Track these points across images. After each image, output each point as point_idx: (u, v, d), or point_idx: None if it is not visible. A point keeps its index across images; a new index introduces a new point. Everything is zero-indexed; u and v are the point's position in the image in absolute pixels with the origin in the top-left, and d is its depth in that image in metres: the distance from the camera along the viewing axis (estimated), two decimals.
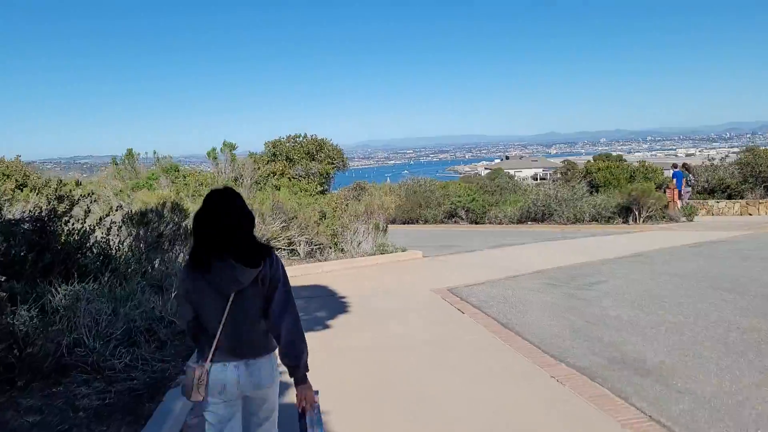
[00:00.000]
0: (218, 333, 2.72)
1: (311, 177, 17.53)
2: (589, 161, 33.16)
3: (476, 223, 25.54)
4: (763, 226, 18.34)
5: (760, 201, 22.76)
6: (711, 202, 23.51)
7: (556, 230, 21.29)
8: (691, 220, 20.91)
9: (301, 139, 19.44)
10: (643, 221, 20.23)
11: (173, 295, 6.48)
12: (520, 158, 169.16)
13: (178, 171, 14.87)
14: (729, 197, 24.29)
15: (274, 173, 16.34)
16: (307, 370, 2.84)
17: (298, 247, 13.19)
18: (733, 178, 24.64)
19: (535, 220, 23.42)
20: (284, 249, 12.92)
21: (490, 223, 24.99)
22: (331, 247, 13.73)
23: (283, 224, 12.87)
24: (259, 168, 16.19)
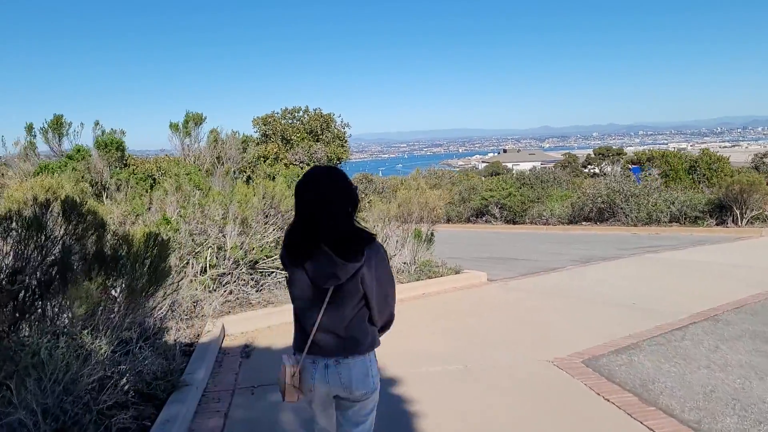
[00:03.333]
0: (314, 329, 2.43)
1: (316, 163, 12.70)
2: (641, 150, 28.48)
3: (514, 222, 20.85)
4: None
5: None
6: None
7: (625, 233, 16.65)
8: None
9: (301, 114, 14.64)
10: (747, 223, 15.56)
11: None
12: (518, 151, 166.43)
13: (123, 152, 10.06)
14: None
15: (265, 157, 11.55)
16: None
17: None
18: None
19: (591, 219, 18.75)
20: (279, 274, 8.17)
21: (532, 223, 20.29)
22: None
23: (280, 234, 8.11)
24: (245, 150, 11.39)
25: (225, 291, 7.56)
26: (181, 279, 6.40)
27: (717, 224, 16.09)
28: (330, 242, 2.33)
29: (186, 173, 7.96)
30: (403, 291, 8.69)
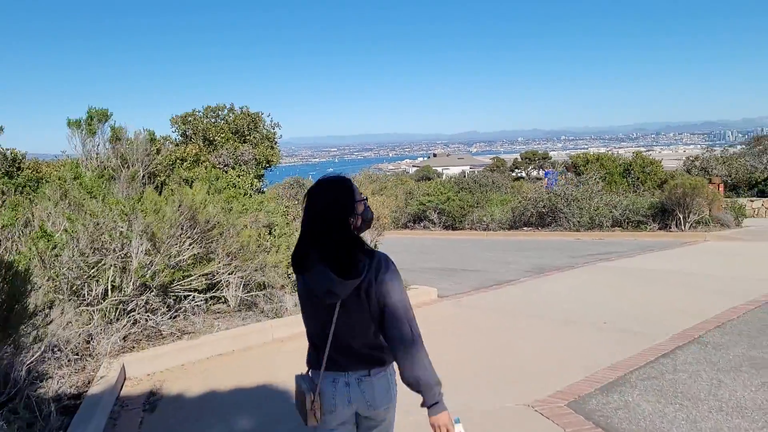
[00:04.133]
0: (327, 347, 2.29)
1: (243, 166, 11.36)
2: (575, 154, 28.39)
3: (453, 228, 20.03)
4: None
5: None
6: (741, 200, 18.92)
7: (569, 238, 16.09)
8: (740, 224, 16.18)
9: (225, 113, 13.23)
10: (690, 227, 15.25)
11: None
12: (447, 155, 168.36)
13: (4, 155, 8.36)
14: (760, 194, 19.93)
15: (183, 159, 10.13)
16: (440, 396, 2.25)
17: (226, 292, 7.14)
18: (762, 173, 20.30)
19: (532, 225, 18.14)
20: (198, 297, 6.85)
21: (471, 228, 19.53)
22: (286, 289, 7.78)
23: (199, 250, 6.80)
24: (158, 151, 9.94)
25: (128, 321, 6.19)
26: (62, 314, 5.02)
27: (660, 228, 15.75)
28: (325, 256, 2.22)
29: (74, 177, 6.53)
30: None
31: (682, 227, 15.25)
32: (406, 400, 2.62)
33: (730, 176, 20.85)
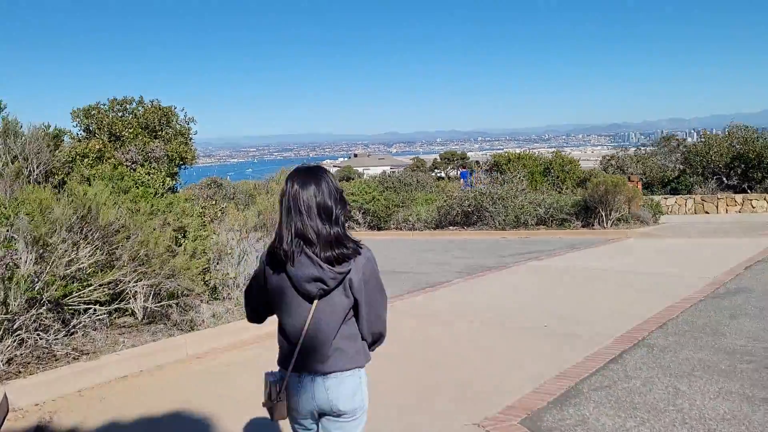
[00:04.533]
0: (300, 342, 2.26)
1: (154, 164, 10.41)
2: (496, 153, 28.60)
3: (379, 228, 19.60)
4: (757, 226, 14.32)
5: (719, 197, 19.14)
6: (656, 197, 19.48)
7: (496, 237, 15.97)
8: (657, 221, 16.58)
9: (134, 106, 12.16)
10: (612, 224, 15.44)
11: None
12: (368, 156, 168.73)
13: None
14: (673, 192, 20.60)
15: (85, 156, 9.12)
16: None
17: (132, 303, 6.32)
18: (673, 171, 21.00)
19: (458, 224, 17.95)
20: (100, 310, 6.00)
21: (397, 228, 19.15)
22: (202, 297, 7.03)
23: (101, 257, 5.95)
24: (55, 146, 8.89)
25: (13, 341, 5.30)
26: None
27: (583, 226, 15.89)
28: (314, 245, 2.20)
29: None
30: (268, 323, 6.87)
31: (605, 224, 15.42)
32: (399, 401, 2.28)
33: (644, 174, 21.49)
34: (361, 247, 2.29)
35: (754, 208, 18.57)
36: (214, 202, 9.69)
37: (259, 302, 2.45)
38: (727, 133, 21.50)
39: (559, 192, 19.09)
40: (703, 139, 21.92)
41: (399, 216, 19.09)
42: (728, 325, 6.21)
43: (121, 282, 6.24)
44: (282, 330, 2.36)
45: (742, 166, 20.27)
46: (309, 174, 2.26)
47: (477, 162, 59.24)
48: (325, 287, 2.21)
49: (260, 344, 6.29)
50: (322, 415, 2.35)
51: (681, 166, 22.27)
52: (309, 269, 2.19)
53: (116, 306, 6.29)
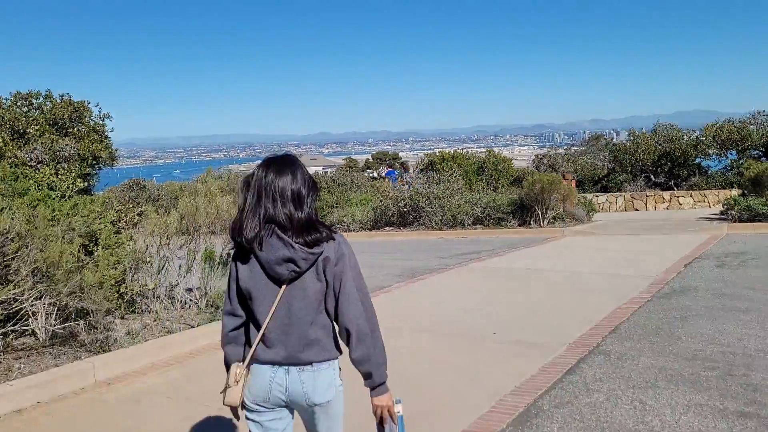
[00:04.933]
0: (263, 326, 2.20)
1: (64, 164, 9.42)
2: (431, 152, 28.43)
3: None
4: (687, 222, 14.57)
5: (648, 195, 19.49)
6: (588, 195, 19.70)
7: (433, 237, 15.64)
8: (591, 219, 16.67)
9: (41, 100, 11.07)
10: (549, 223, 15.38)
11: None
12: (300, 156, 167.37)
13: None
14: (603, 190, 20.89)
15: None
16: (382, 380, 2.24)
17: (33, 322, 5.49)
18: (602, 170, 21.31)
19: (394, 224, 17.53)
20: None
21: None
22: (117, 313, 6.25)
23: None
24: None
25: None
26: None
27: (520, 225, 15.76)
28: (286, 229, 2.17)
29: None
30: (191, 339, 6.18)
31: (541, 223, 15.34)
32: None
33: (576, 173, 21.72)
34: (334, 232, 2.26)
35: (680, 204, 19.04)
36: (131, 205, 8.84)
37: (236, 301, 2.31)
38: (653, 131, 22.08)
39: (495, 191, 18.99)
40: (631, 138, 22.41)
41: (333, 217, 18.48)
42: (681, 328, 5.98)
43: (16, 300, 5.41)
44: (254, 320, 2.27)
45: (669, 164, 20.81)
46: (284, 162, 2.26)
47: (402, 163, 59.37)
48: (297, 269, 2.16)
49: (183, 364, 5.61)
50: (293, 406, 2.30)
51: (611, 165, 22.67)
52: (280, 251, 2.15)
53: (11, 328, 5.46)
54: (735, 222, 13.45)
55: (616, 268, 9.61)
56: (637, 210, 19.43)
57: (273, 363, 2.23)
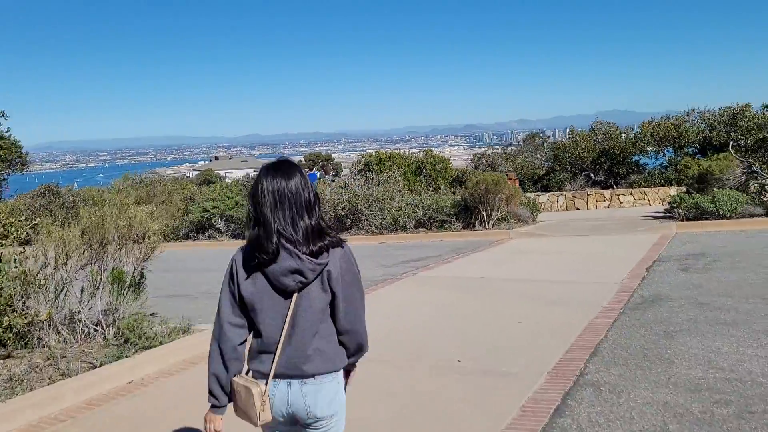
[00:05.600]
0: (281, 339, 2.17)
1: None
2: (367, 153, 27.52)
3: (244, 237, 17.55)
4: (632, 221, 14.24)
5: (588, 193, 19.22)
6: (529, 195, 19.27)
7: (373, 242, 14.73)
8: (535, 219, 16.17)
9: None
10: (494, 225, 14.73)
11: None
12: (230, 159, 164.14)
13: None
14: (544, 189, 20.54)
15: None
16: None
17: None
18: (541, 168, 20.97)
19: (332, 229, 16.47)
20: None
21: None
22: (8, 348, 5.03)
23: None
24: None
25: None
26: None
27: (464, 227, 15.04)
28: (295, 239, 2.15)
29: None
30: (89, 385, 5.00)
31: (486, 225, 14.67)
32: None
33: (515, 172, 21.30)
34: (340, 239, 2.25)
35: (621, 203, 18.88)
36: (24, 217, 7.49)
37: (240, 313, 2.24)
38: (592, 129, 21.96)
39: (435, 192, 18.26)
40: (571, 136, 22.19)
41: None
42: (669, 348, 5.27)
43: None
44: (258, 333, 2.23)
45: (608, 162, 20.69)
46: (290, 168, 2.23)
47: (322, 165, 58.46)
48: (304, 280, 2.14)
49: (77, 421, 4.44)
50: (295, 421, 2.24)
51: (550, 164, 22.40)
52: (287, 262, 2.12)
53: None
54: (682, 220, 13.16)
55: (575, 274, 8.96)
56: (578, 209, 19.14)
57: (275, 376, 2.18)
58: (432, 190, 18.73)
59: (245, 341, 2.27)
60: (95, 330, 6.08)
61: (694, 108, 20.51)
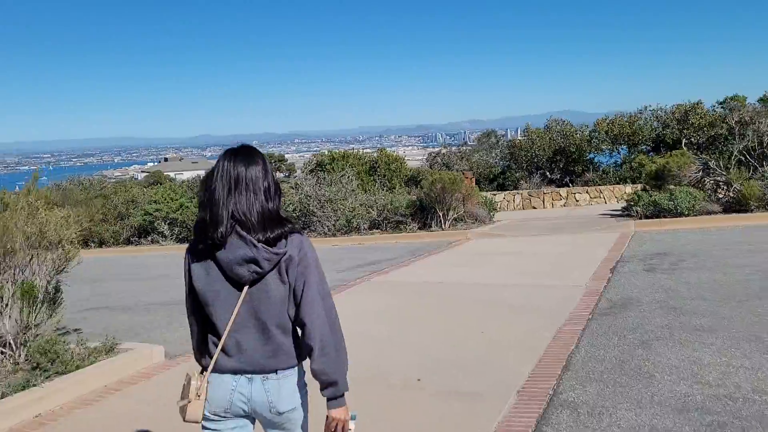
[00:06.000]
0: (224, 334, 2.04)
1: None
2: (320, 152, 26.84)
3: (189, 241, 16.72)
4: (590, 220, 14.01)
5: (545, 192, 18.98)
6: (485, 194, 18.94)
7: (326, 245, 14.06)
8: (492, 219, 15.80)
9: None
10: (451, 225, 14.28)
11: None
12: (180, 160, 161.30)
13: None
14: (500, 188, 20.23)
15: None
16: (346, 389, 2.09)
17: None
18: (496, 167, 20.68)
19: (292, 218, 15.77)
20: None
21: None
22: None
23: None
24: None
25: None
26: None
27: (420, 228, 14.56)
28: (250, 225, 2.00)
29: None
30: None
31: (443, 225, 14.21)
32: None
33: (471, 171, 20.96)
34: (296, 227, 2.10)
35: (577, 201, 18.71)
36: None
37: (193, 308, 2.15)
38: (546, 127, 21.79)
39: (390, 191, 17.74)
40: (526, 134, 21.96)
41: None
42: (647, 359, 4.81)
43: None
44: (211, 326, 2.09)
45: (564, 160, 20.53)
46: (250, 152, 2.12)
47: (289, 165, 57.60)
48: (259, 270, 2.00)
49: None
50: (256, 416, 2.13)
51: (506, 162, 22.14)
52: (241, 250, 1.98)
53: None
54: (640, 218, 12.95)
55: (537, 276, 8.52)
56: (534, 208, 18.89)
57: (235, 372, 2.05)
58: (386, 190, 18.20)
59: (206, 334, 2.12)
60: (2, 353, 5.29)
61: (647, 105, 20.55)
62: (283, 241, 2.02)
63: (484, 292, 7.74)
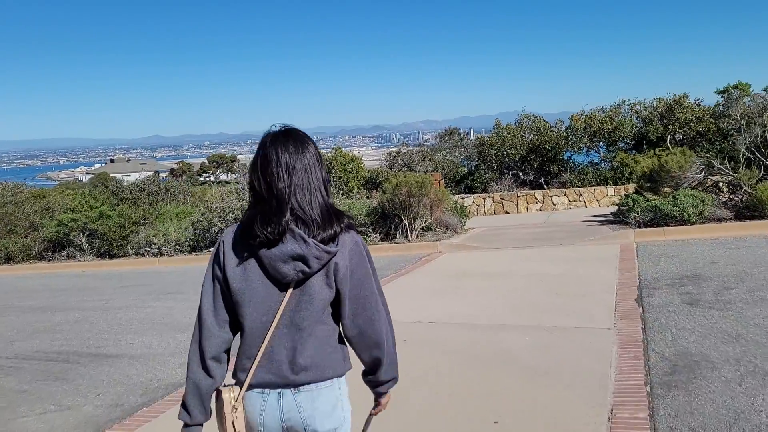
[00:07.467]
0: (266, 339, 1.77)
1: None
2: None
3: (111, 256, 14.27)
4: (576, 227, 12.17)
5: (519, 195, 17.10)
6: (453, 197, 16.99)
7: None
8: (464, 227, 13.83)
9: None
10: (419, 236, 12.23)
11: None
12: (128, 161, 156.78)
13: None
14: (468, 190, 18.32)
15: None
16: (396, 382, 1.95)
17: None
18: (462, 167, 18.77)
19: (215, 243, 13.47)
20: None
21: (138, 254, 14.01)
22: None
23: None
24: None
25: None
26: None
27: (383, 239, 12.49)
28: (310, 217, 1.76)
29: None
30: None
31: (409, 236, 12.16)
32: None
33: (438, 172, 19.02)
34: (353, 223, 1.85)
35: (555, 205, 16.92)
36: None
37: (218, 306, 1.82)
38: (518, 123, 20.02)
39: (347, 196, 15.61)
40: (497, 131, 20.08)
41: (140, 237, 13.99)
42: None
43: None
44: (242, 331, 1.83)
45: (539, 159, 18.79)
46: (303, 138, 1.84)
47: (241, 166, 55.22)
48: (306, 269, 1.73)
49: None
50: None
51: (474, 162, 20.28)
52: (289, 245, 1.72)
53: None
54: (639, 227, 11.15)
55: (542, 312, 6.52)
56: (507, 212, 17.03)
57: (263, 386, 1.80)
58: (342, 194, 16.08)
59: (229, 342, 1.84)
60: None
61: (624, 99, 18.99)
62: (338, 240, 1.76)
63: (478, 340, 5.70)
